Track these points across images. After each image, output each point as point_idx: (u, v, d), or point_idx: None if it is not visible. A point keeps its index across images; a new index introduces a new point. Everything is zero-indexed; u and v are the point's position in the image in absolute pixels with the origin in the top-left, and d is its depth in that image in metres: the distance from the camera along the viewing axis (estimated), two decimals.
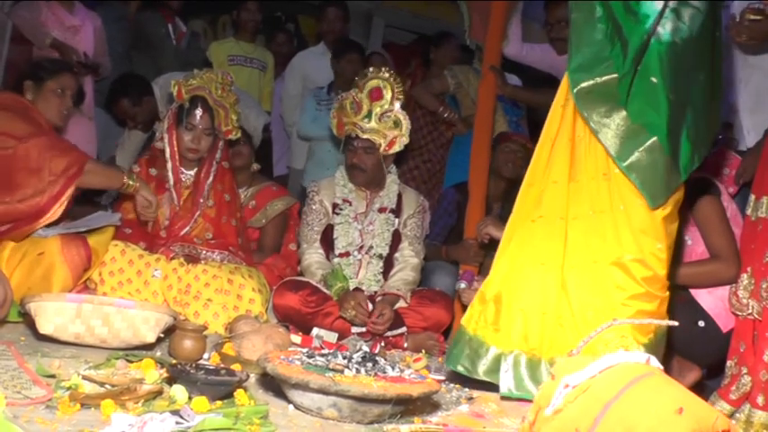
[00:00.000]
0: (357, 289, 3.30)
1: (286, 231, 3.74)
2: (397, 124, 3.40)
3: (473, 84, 4.29)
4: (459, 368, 2.53)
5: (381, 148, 3.39)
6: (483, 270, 3.74)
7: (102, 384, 1.89)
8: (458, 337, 2.61)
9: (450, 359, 2.58)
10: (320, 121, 4.48)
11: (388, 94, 3.39)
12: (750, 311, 2.51)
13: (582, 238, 2.39)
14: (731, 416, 2.47)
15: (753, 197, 2.64)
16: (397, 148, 3.43)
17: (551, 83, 3.89)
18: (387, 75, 3.40)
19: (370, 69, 3.47)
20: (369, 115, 3.35)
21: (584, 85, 2.36)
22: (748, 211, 2.65)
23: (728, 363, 2.59)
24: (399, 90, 3.41)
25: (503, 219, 3.75)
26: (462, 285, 3.36)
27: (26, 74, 3.15)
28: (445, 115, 4.32)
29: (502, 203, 3.91)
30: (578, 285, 2.37)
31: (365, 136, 3.35)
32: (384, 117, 3.37)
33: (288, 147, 5.03)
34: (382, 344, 3.11)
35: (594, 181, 2.37)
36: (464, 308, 3.44)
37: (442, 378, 2.59)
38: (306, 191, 3.63)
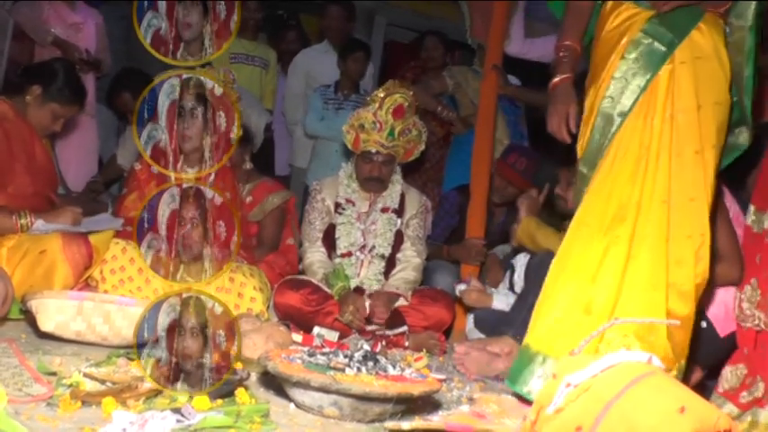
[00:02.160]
0: (358, 289, 3.30)
1: (284, 225, 3.74)
2: (416, 136, 3.40)
3: (471, 84, 4.30)
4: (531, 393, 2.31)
5: (399, 158, 3.40)
6: (483, 270, 3.75)
7: (103, 382, 1.89)
8: (525, 357, 2.39)
9: (520, 381, 2.37)
10: (327, 120, 4.48)
11: (409, 110, 3.37)
12: (757, 323, 2.51)
13: (684, 260, 2.30)
14: (737, 417, 2.48)
15: (753, 207, 2.63)
16: (414, 156, 3.44)
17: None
18: (405, 89, 3.38)
19: (388, 83, 3.43)
20: (391, 132, 3.32)
21: None
22: (748, 221, 2.64)
23: (739, 366, 2.59)
24: (414, 101, 3.41)
25: (506, 225, 3.77)
26: (462, 287, 3.36)
27: (41, 75, 3.10)
28: (444, 115, 4.32)
29: (506, 209, 3.91)
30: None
31: (386, 152, 3.34)
32: (405, 132, 3.36)
33: (290, 145, 5.02)
34: (383, 343, 3.11)
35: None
36: (465, 308, 3.46)
37: (443, 377, 2.58)
38: (309, 189, 3.63)
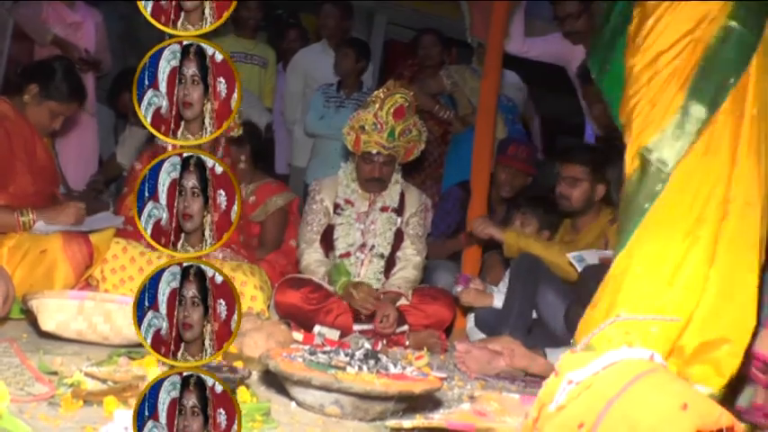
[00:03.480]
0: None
1: (286, 227, 3.74)
2: (416, 135, 3.40)
3: (469, 83, 4.30)
4: None
5: (400, 159, 3.40)
6: (484, 268, 3.75)
7: (104, 381, 1.89)
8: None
9: None
10: (327, 119, 4.47)
11: (409, 111, 3.36)
12: None
13: None
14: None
15: None
16: (414, 155, 3.44)
17: (553, 79, 3.90)
18: (405, 89, 3.38)
19: (388, 83, 3.43)
20: (392, 133, 3.31)
21: None
22: None
23: None
24: (414, 100, 3.41)
25: (507, 221, 3.78)
26: (459, 288, 3.37)
27: (38, 74, 3.10)
28: (441, 114, 4.32)
29: (507, 206, 3.92)
30: None
31: (387, 152, 3.34)
32: (405, 132, 3.36)
33: (289, 145, 5.02)
34: (384, 341, 3.11)
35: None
36: (463, 309, 3.46)
37: (444, 376, 2.59)
38: (308, 189, 3.63)
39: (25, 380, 1.89)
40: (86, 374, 1.90)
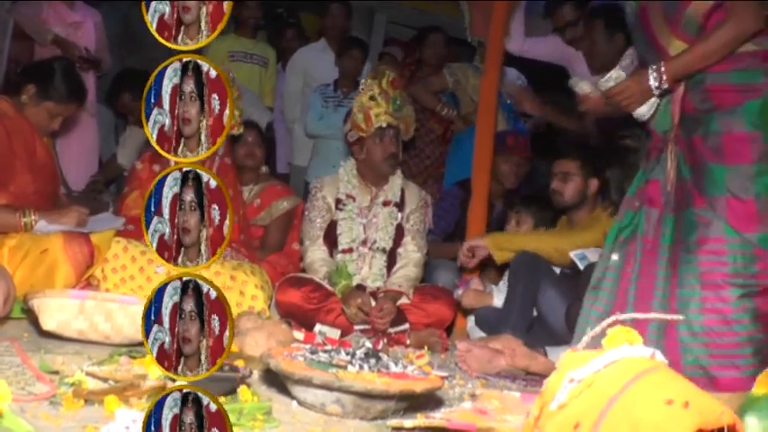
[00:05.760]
0: (360, 286, 3.30)
1: (289, 231, 3.74)
2: (411, 111, 3.47)
3: (471, 81, 4.30)
4: None
5: (402, 135, 3.43)
6: (483, 272, 3.76)
7: (105, 380, 1.89)
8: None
9: None
10: (326, 119, 4.48)
11: (401, 83, 3.47)
12: None
13: None
14: None
15: None
16: (410, 134, 3.50)
17: (556, 78, 3.89)
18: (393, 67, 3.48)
19: (376, 65, 3.50)
20: (395, 101, 3.37)
21: None
22: None
23: None
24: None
25: (504, 217, 3.79)
26: (459, 292, 3.38)
27: (36, 74, 3.10)
28: (443, 113, 4.33)
29: (503, 201, 3.93)
30: None
31: (396, 123, 3.37)
32: (404, 103, 3.43)
33: (289, 144, 5.02)
34: (385, 340, 3.11)
35: None
36: (464, 311, 3.47)
37: (445, 374, 2.59)
38: (309, 187, 3.64)
39: (26, 379, 1.89)
40: (87, 374, 1.90)
